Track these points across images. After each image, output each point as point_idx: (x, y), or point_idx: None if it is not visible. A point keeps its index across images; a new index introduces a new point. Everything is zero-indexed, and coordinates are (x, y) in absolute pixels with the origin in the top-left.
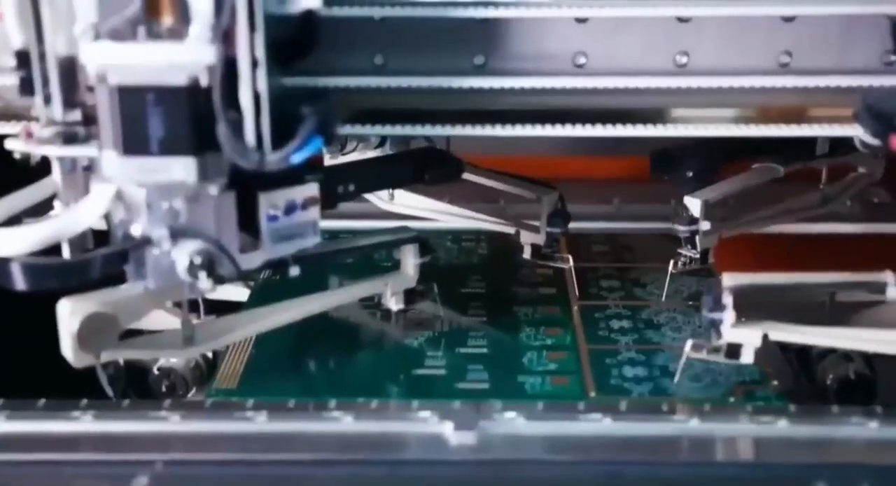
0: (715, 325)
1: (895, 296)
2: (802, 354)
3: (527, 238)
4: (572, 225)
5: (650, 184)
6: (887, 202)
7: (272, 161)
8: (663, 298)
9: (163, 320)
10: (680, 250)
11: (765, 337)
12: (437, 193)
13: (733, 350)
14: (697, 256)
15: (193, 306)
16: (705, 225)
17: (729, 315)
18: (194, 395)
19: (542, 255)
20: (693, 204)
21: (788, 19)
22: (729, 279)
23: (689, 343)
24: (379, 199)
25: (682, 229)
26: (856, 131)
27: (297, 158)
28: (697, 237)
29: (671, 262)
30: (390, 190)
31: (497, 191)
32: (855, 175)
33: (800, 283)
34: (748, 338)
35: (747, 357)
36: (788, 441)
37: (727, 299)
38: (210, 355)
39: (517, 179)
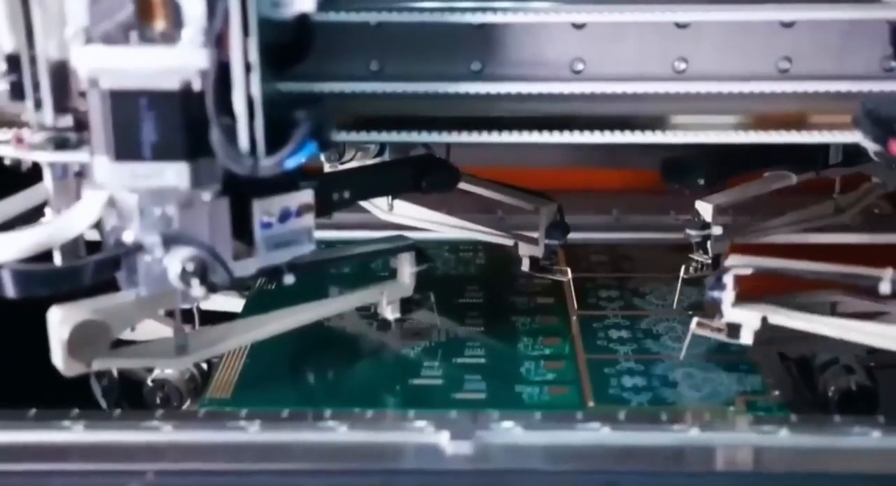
0: (716, 304)
1: (886, 290)
2: (803, 365)
3: (525, 250)
4: (571, 235)
5: (648, 195)
6: (889, 214)
7: (266, 166)
8: (674, 305)
9: (158, 331)
10: (692, 256)
11: (768, 344)
12: (435, 203)
13: (733, 330)
14: (709, 261)
15: (188, 316)
16: (717, 230)
17: (729, 295)
18: (189, 407)
19: (540, 267)
20: (704, 209)
21: (788, 25)
22: (732, 260)
23: (695, 321)
24: (378, 209)
25: (693, 234)
26: (857, 137)
27: (291, 164)
28: (709, 242)
29: (682, 267)
30: (389, 200)
31: (495, 202)
32: (868, 186)
33: (803, 270)
34: (747, 319)
35: (746, 338)
36: (790, 451)
37: (728, 279)
38: (205, 366)
39: (516, 190)
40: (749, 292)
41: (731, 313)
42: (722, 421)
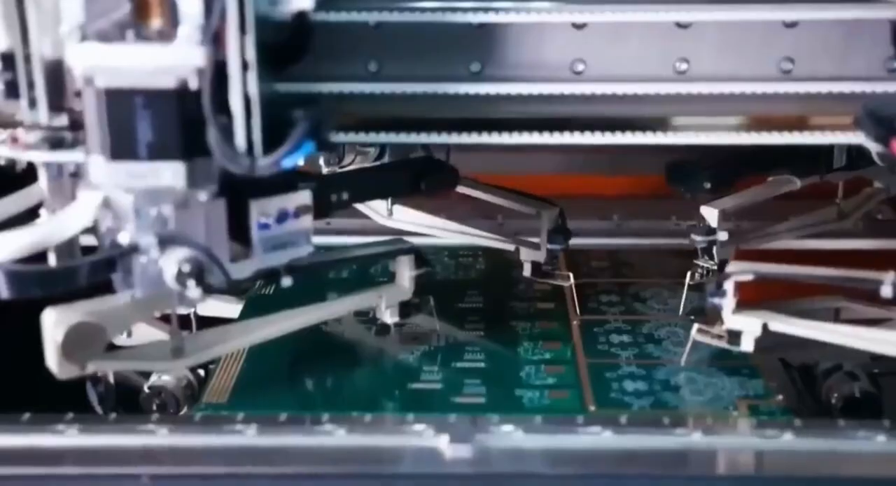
0: (716, 310)
1: (888, 293)
2: (806, 372)
3: (526, 255)
4: (572, 241)
5: (649, 201)
6: (892, 219)
7: (263, 166)
8: (679, 311)
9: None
10: (697, 262)
11: (770, 350)
12: (435, 209)
13: (734, 337)
14: (715, 267)
15: (186, 323)
16: (723, 235)
17: (729, 301)
18: (185, 414)
19: (542, 272)
20: (710, 214)
21: (790, 25)
22: (733, 266)
23: (696, 327)
24: (377, 214)
25: (699, 240)
26: (859, 138)
27: (289, 163)
28: (715, 248)
29: (688, 274)
30: (389, 205)
31: (495, 208)
32: (870, 190)
33: (804, 274)
34: (748, 326)
35: (747, 345)
36: (794, 455)
37: (728, 285)
38: (202, 373)
39: (517, 195)
40: (752, 298)
41: (732, 319)
42: (725, 425)
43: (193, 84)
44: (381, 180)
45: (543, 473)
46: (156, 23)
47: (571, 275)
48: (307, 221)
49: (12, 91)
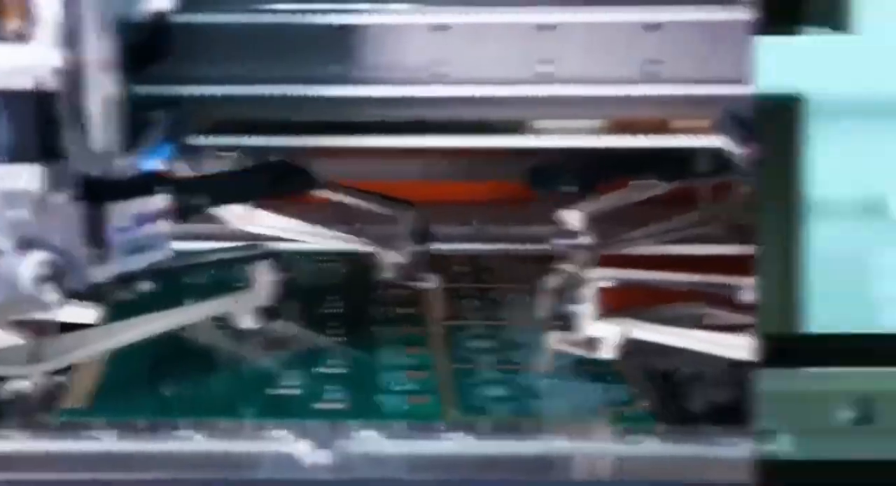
0: (576, 317)
1: (746, 298)
2: (669, 378)
3: (388, 258)
4: (434, 246)
5: (511, 206)
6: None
7: (120, 167)
8: (538, 317)
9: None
10: (557, 266)
11: (633, 356)
12: (293, 215)
13: (594, 344)
14: (576, 271)
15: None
16: (584, 239)
17: (589, 308)
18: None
19: (405, 275)
20: (572, 217)
21: (653, 27)
22: (594, 272)
23: (554, 335)
24: (237, 218)
25: (560, 244)
26: (721, 141)
27: (147, 165)
28: (576, 252)
29: (547, 278)
30: (248, 208)
31: (353, 214)
32: (734, 194)
33: (663, 280)
34: (608, 333)
35: (607, 352)
36: (657, 460)
37: (588, 292)
38: (61, 378)
39: (377, 197)
40: (616, 304)
41: (592, 326)
42: (587, 431)
43: (51, 85)
44: (238, 184)
45: (404, 479)
46: (13, 23)
47: (435, 277)
48: (165, 225)
49: None
